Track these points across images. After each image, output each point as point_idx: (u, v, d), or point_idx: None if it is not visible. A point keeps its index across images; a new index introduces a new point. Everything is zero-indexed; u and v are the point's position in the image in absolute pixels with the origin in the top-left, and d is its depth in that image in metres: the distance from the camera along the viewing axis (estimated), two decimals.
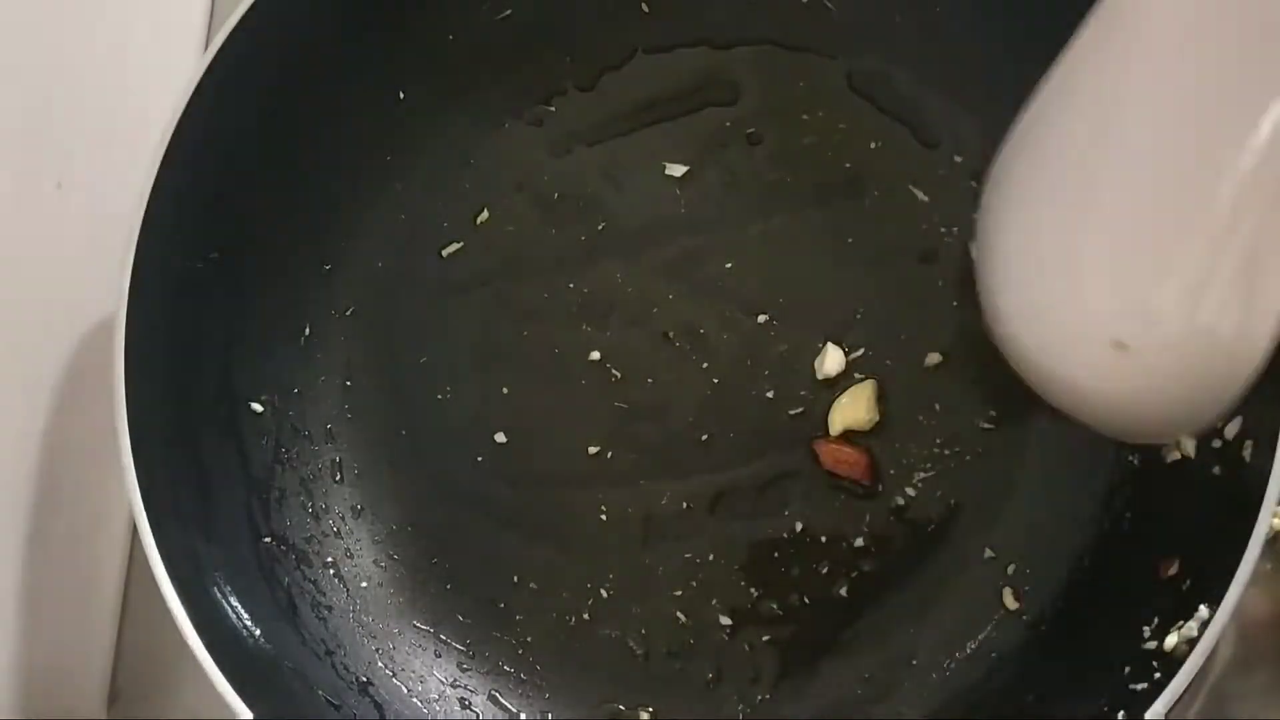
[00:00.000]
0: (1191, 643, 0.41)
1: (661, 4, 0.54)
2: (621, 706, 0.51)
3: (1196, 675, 0.40)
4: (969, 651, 0.49)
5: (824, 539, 0.51)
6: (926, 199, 0.52)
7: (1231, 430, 0.42)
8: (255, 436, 0.52)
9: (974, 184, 0.52)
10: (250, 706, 0.43)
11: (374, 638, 0.52)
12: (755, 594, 0.51)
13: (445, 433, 0.54)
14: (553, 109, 0.55)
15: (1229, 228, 0.34)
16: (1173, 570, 0.44)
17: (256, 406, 0.52)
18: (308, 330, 0.54)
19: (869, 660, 0.50)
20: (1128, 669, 0.43)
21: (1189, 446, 0.44)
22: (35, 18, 0.49)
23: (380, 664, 0.51)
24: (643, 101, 0.54)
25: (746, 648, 0.51)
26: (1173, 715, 0.41)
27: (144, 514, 0.45)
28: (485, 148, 0.55)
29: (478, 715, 0.51)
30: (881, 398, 0.51)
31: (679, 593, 0.51)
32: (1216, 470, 0.42)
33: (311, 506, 0.53)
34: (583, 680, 0.51)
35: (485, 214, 0.55)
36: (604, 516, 0.52)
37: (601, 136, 0.55)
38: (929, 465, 0.51)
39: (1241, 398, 0.36)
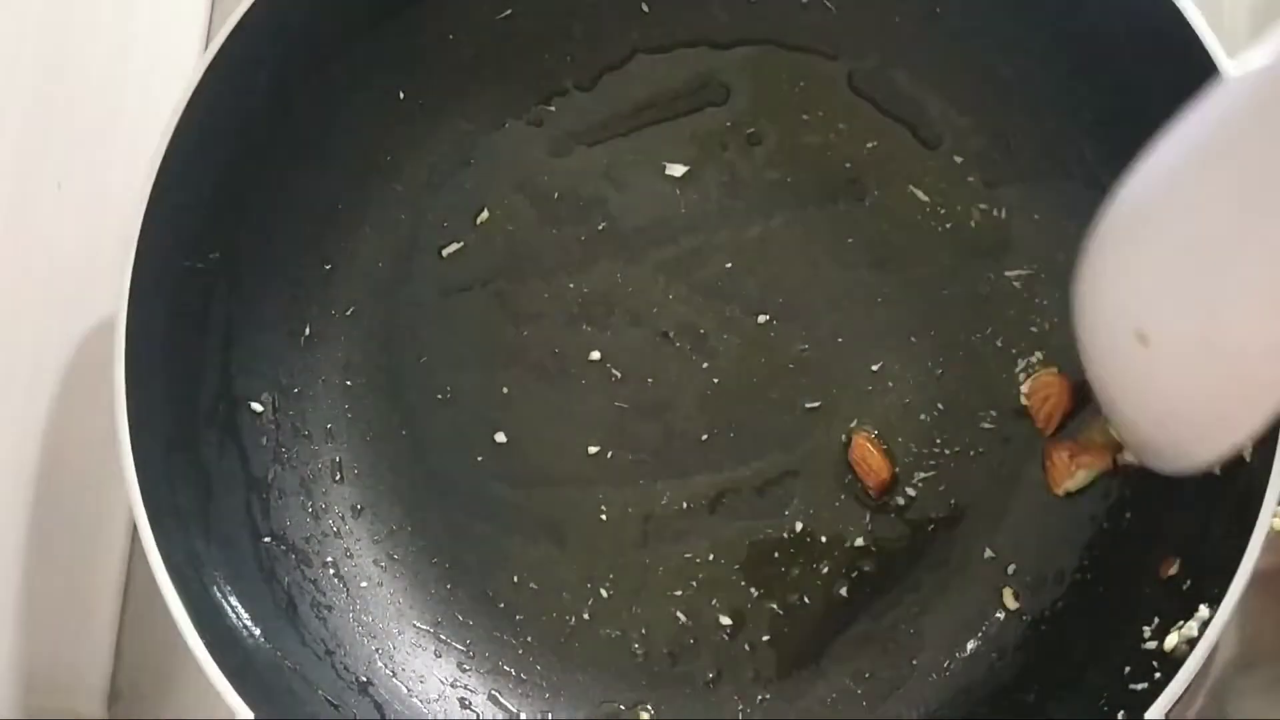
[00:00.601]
0: (1191, 643, 0.41)
1: (661, 4, 0.54)
2: (621, 706, 0.51)
3: (1196, 675, 0.40)
4: (969, 651, 0.49)
5: (824, 539, 0.51)
6: (926, 199, 0.52)
7: None
8: (255, 436, 0.52)
9: (974, 183, 0.52)
10: (250, 706, 0.43)
11: (374, 638, 0.52)
12: (755, 594, 0.51)
13: (445, 433, 0.54)
14: (553, 109, 0.55)
15: None
16: (1173, 570, 0.44)
17: (256, 406, 0.52)
18: (308, 330, 0.54)
19: (869, 660, 0.50)
20: (1128, 669, 0.43)
21: None
22: (35, 17, 0.49)
23: (380, 664, 0.51)
24: (643, 101, 0.54)
25: (746, 648, 0.51)
26: (1173, 715, 0.41)
27: (144, 514, 0.45)
28: (485, 148, 0.55)
29: (478, 715, 0.51)
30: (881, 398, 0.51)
31: (679, 593, 0.51)
32: (1216, 470, 0.42)
33: (311, 506, 0.53)
34: (583, 680, 0.51)
35: (485, 214, 0.55)
36: (604, 516, 0.52)
37: (601, 136, 0.55)
38: (929, 465, 0.51)
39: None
